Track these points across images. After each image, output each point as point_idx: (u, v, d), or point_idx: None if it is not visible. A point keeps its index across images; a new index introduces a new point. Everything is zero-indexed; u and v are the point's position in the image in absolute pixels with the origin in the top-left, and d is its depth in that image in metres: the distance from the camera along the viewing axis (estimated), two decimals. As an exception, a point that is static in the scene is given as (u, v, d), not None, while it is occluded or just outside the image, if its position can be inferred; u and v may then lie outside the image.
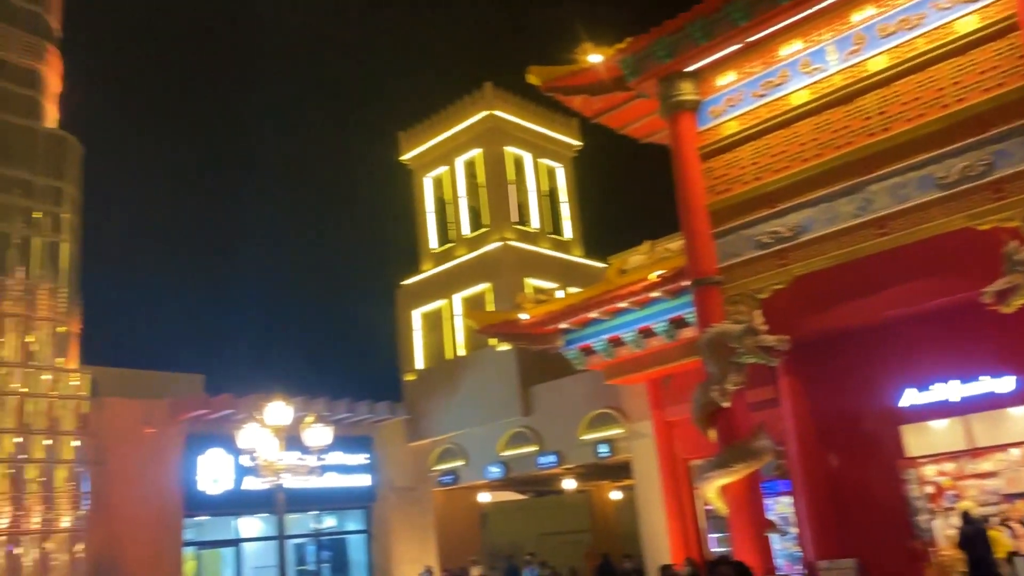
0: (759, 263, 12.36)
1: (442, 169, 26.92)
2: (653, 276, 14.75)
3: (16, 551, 16.25)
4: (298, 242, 53.30)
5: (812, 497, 14.04)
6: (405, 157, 27.64)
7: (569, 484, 23.78)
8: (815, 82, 12.17)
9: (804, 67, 12.31)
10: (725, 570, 9.18)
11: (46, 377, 17.51)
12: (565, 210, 27.18)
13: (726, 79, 13.12)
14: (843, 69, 11.91)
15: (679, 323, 15.21)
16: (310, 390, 21.02)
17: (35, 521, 16.56)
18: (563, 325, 17.08)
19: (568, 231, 26.96)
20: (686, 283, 13.48)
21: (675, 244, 14.79)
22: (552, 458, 21.02)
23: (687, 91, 13.21)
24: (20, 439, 16.86)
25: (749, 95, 12.83)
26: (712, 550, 16.42)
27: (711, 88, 13.29)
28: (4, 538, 16.17)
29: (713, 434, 12.22)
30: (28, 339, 17.40)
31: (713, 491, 12.12)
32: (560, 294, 19.62)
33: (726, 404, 11.79)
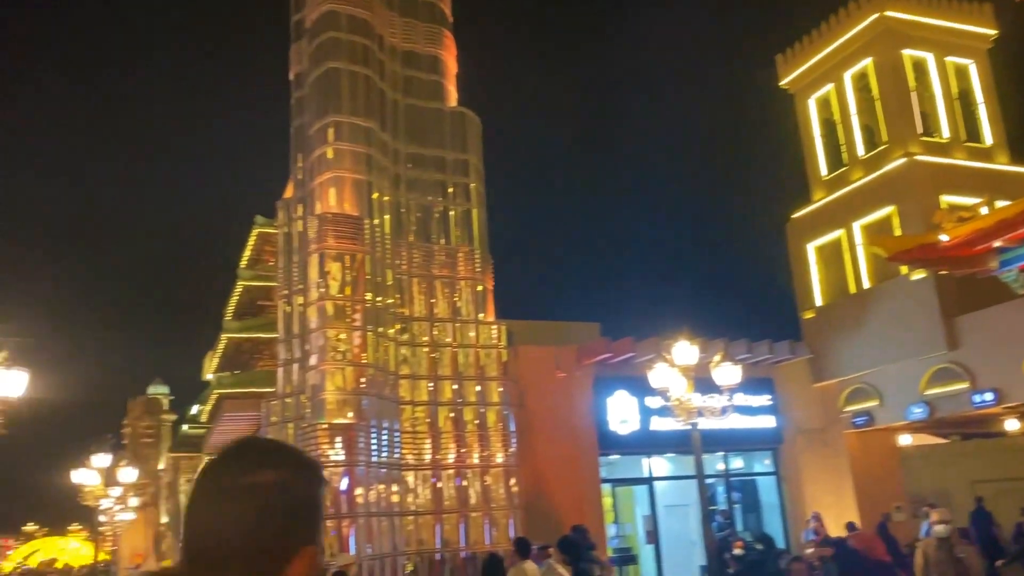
0: None
1: (827, 88, 24.80)
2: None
3: (463, 483, 18.56)
4: (684, 185, 53.69)
5: None
6: (785, 81, 25.96)
7: (1012, 425, 20.81)
8: None
9: None
10: None
11: (471, 331, 19.63)
12: (983, 112, 23.46)
13: None
14: None
15: None
16: (707, 331, 20.83)
17: (475, 457, 18.75)
18: (996, 244, 14.77)
19: (988, 136, 23.26)
20: None
21: None
22: (989, 396, 18.49)
23: None
24: (456, 385, 19.15)
25: None
26: None
27: None
28: (452, 471, 18.55)
29: None
30: (455, 298, 19.61)
31: None
32: (985, 210, 17.00)
33: None
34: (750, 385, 21.53)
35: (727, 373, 13.00)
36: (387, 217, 18.75)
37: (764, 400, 22.78)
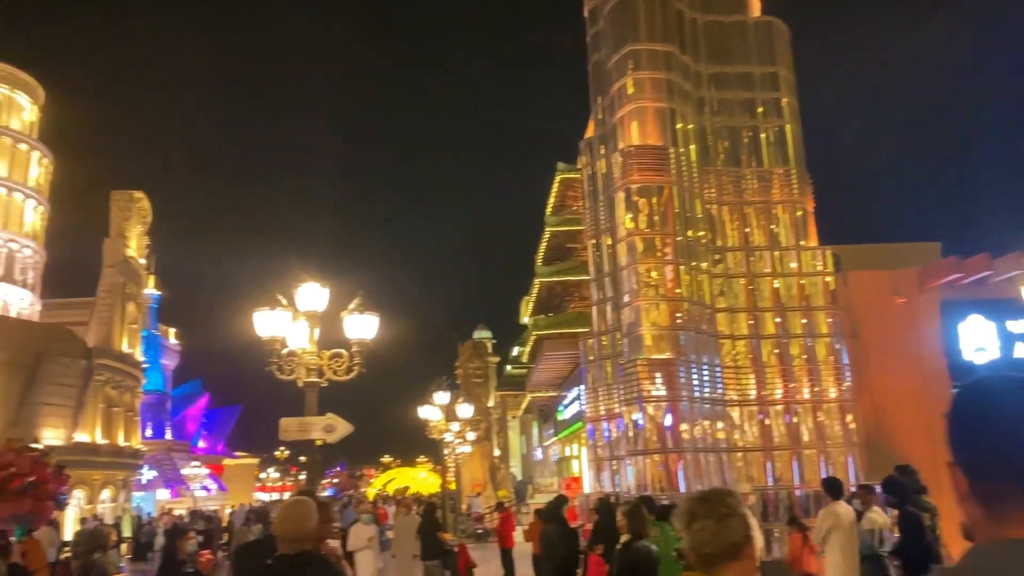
0: None
1: None
2: None
3: (793, 420, 17.48)
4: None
5: None
6: None
7: None
8: None
9: None
10: None
11: (791, 259, 18.26)
12: None
13: None
14: None
15: None
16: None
17: (805, 393, 17.54)
18: None
19: None
20: None
21: None
22: None
23: None
24: (779, 318, 17.99)
25: None
26: None
27: None
28: (781, 408, 17.53)
29: None
30: (771, 225, 18.33)
31: None
32: None
33: None
34: None
35: None
36: (692, 146, 17.92)
37: None
